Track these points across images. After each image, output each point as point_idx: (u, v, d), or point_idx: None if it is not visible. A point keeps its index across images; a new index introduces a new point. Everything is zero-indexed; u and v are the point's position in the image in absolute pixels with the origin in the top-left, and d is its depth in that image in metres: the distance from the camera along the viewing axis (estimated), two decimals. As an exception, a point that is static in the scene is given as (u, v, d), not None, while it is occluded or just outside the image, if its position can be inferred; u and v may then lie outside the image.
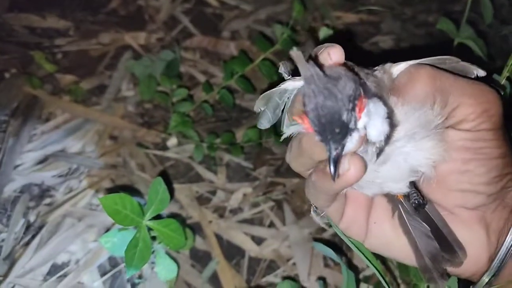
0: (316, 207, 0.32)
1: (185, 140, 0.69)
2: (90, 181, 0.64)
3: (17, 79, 0.75)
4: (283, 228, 0.61)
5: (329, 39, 0.26)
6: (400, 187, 0.29)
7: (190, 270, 0.57)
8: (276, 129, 0.67)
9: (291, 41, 0.69)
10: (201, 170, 0.66)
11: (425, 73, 0.26)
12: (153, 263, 0.55)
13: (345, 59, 0.26)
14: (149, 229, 0.45)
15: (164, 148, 0.69)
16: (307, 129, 0.24)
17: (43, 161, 0.66)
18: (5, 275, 0.55)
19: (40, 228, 0.59)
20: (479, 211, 0.29)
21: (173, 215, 0.61)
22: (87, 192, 0.63)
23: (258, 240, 0.60)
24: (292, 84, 0.28)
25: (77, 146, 0.68)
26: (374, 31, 0.84)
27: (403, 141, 0.27)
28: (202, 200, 0.63)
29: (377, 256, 0.35)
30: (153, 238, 0.49)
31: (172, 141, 0.69)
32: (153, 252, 0.49)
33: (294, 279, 0.56)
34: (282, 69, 0.30)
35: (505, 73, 0.38)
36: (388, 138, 0.26)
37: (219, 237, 0.60)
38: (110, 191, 0.62)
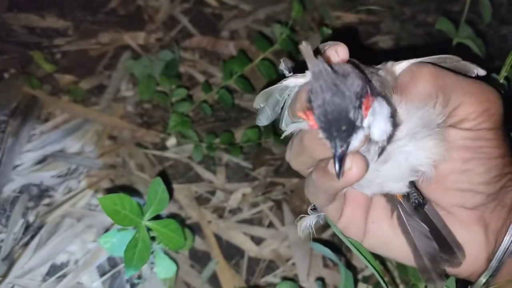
0: (314, 207, 0.32)
1: (184, 140, 0.69)
2: (89, 181, 0.64)
3: (16, 79, 0.75)
4: (282, 228, 0.61)
5: (331, 39, 0.26)
6: (400, 187, 0.29)
7: (189, 270, 0.57)
8: (275, 129, 0.67)
9: (290, 41, 0.69)
10: (200, 170, 0.66)
11: (427, 72, 0.26)
12: (152, 263, 0.55)
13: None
14: (148, 229, 0.45)
15: (163, 148, 0.69)
16: (312, 126, 0.24)
17: (42, 161, 0.66)
18: (4, 276, 0.55)
19: (39, 228, 0.59)
20: (477, 211, 0.29)
21: (172, 215, 0.61)
22: (86, 192, 0.63)
23: (258, 240, 0.60)
24: (294, 81, 0.28)
25: (76, 146, 0.68)
26: (374, 31, 0.84)
27: (405, 140, 0.27)
28: (201, 200, 0.63)
29: (376, 257, 0.35)
30: (152, 238, 0.49)
31: (171, 141, 0.69)
32: (152, 252, 0.49)
33: (293, 279, 0.56)
34: (283, 66, 0.30)
35: (503, 72, 0.38)
36: (390, 138, 0.26)
37: (218, 237, 0.60)
38: (109, 191, 0.62)
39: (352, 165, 0.25)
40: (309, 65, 0.23)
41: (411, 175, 0.28)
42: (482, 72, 0.28)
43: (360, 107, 0.23)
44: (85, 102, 0.73)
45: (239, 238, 0.60)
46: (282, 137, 0.30)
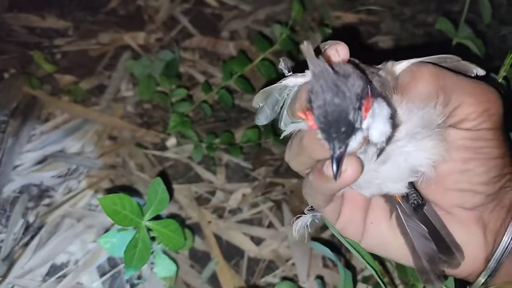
0: (311, 207, 0.32)
1: (184, 140, 0.69)
2: (89, 182, 0.64)
3: (16, 79, 0.75)
4: (282, 228, 0.61)
5: (331, 39, 0.26)
6: (399, 188, 0.29)
7: (189, 271, 0.57)
8: (275, 129, 0.67)
9: (290, 41, 0.69)
10: (200, 170, 0.66)
11: (427, 72, 0.26)
12: (152, 263, 0.55)
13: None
14: (148, 229, 0.45)
15: (163, 148, 0.69)
16: (311, 126, 0.24)
17: (42, 161, 0.66)
18: (4, 276, 0.55)
19: (39, 228, 0.59)
20: (476, 211, 0.29)
21: (172, 216, 0.61)
22: (86, 192, 0.63)
23: (257, 241, 0.60)
24: (293, 81, 0.28)
25: (76, 147, 0.68)
26: (374, 31, 0.84)
27: (404, 141, 0.27)
28: (201, 201, 0.63)
29: (375, 257, 0.35)
30: (152, 238, 0.49)
31: (171, 141, 0.69)
32: (152, 252, 0.49)
33: (293, 279, 0.56)
34: (283, 65, 0.30)
35: (502, 72, 0.38)
36: (389, 139, 0.26)
37: (218, 238, 0.60)
38: (109, 191, 0.62)
39: (347, 166, 0.25)
40: (310, 65, 0.23)
41: (410, 176, 0.28)
42: (481, 72, 0.28)
43: (360, 108, 0.23)
44: (85, 102, 0.73)
45: (239, 238, 0.60)
46: (281, 137, 0.30)
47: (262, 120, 0.32)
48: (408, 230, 0.30)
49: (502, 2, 0.81)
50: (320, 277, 0.56)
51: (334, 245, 0.58)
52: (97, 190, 0.63)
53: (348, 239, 0.32)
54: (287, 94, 0.30)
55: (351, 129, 0.23)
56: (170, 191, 0.58)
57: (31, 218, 0.60)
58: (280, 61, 0.30)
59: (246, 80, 0.69)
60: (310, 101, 0.23)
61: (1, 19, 0.84)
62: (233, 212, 0.63)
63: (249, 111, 0.73)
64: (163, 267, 0.52)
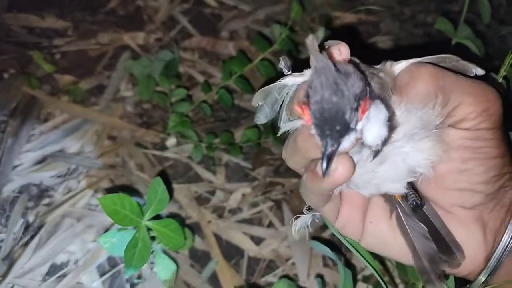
0: (310, 207, 0.32)
1: (184, 140, 0.69)
2: (89, 181, 0.64)
3: (16, 79, 0.75)
4: (282, 228, 0.61)
5: (331, 39, 0.26)
6: (398, 188, 0.29)
7: (189, 270, 0.57)
8: (274, 129, 0.67)
9: (289, 41, 0.69)
10: (200, 170, 0.66)
11: (426, 72, 0.26)
12: (152, 263, 0.55)
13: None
14: (148, 229, 0.45)
15: (163, 148, 0.69)
16: (306, 121, 0.24)
17: (41, 161, 0.66)
18: (4, 276, 0.55)
19: (39, 228, 0.59)
20: (476, 210, 0.29)
21: (172, 215, 0.61)
22: (86, 192, 0.63)
23: (257, 240, 0.60)
24: (292, 80, 0.28)
25: (75, 146, 0.68)
26: (373, 31, 0.84)
27: (402, 142, 0.27)
28: (201, 200, 0.64)
29: (375, 256, 0.35)
30: (152, 238, 0.49)
31: (171, 141, 0.69)
32: (152, 252, 0.49)
33: (293, 279, 0.56)
34: (282, 64, 0.30)
35: (502, 72, 0.39)
36: (385, 142, 0.26)
37: (218, 237, 0.60)
38: (109, 191, 0.62)
39: (337, 165, 0.25)
40: (313, 60, 0.23)
41: (408, 176, 0.28)
42: (480, 71, 0.28)
43: (357, 109, 0.23)
44: (84, 102, 0.73)
45: (239, 238, 0.60)
46: (278, 135, 0.30)
47: (261, 119, 0.32)
48: (408, 230, 0.30)
49: (502, 2, 0.81)
50: (320, 276, 0.56)
51: (334, 244, 0.58)
52: (96, 190, 0.63)
53: (348, 238, 0.32)
54: (286, 93, 0.30)
55: (346, 129, 0.23)
56: (170, 191, 0.58)
57: (31, 218, 0.60)
58: (280, 60, 0.30)
59: (245, 80, 0.69)
60: (308, 96, 0.23)
61: (1, 19, 0.83)
62: (233, 211, 0.63)
63: (248, 111, 0.73)
64: (163, 267, 0.52)
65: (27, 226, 0.59)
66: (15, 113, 0.71)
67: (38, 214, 0.61)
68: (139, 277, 0.56)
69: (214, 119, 0.72)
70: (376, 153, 0.26)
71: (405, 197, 0.30)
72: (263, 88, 0.30)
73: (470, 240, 0.29)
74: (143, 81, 0.73)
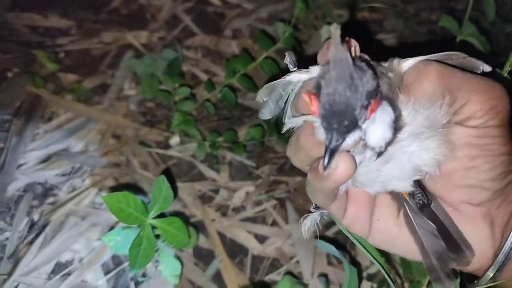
0: (316, 205, 0.32)
1: (187, 139, 0.69)
2: (93, 180, 0.64)
3: (20, 78, 0.75)
4: (286, 226, 0.61)
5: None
6: (404, 186, 0.29)
7: (193, 269, 0.57)
8: (278, 127, 0.67)
9: (293, 39, 0.69)
10: (203, 168, 0.67)
11: (433, 70, 0.26)
12: (156, 261, 0.55)
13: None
14: (153, 227, 0.45)
15: (167, 146, 0.69)
16: (312, 112, 0.23)
17: (46, 160, 0.66)
18: (10, 274, 0.55)
19: (44, 227, 0.59)
20: (484, 207, 0.29)
21: (176, 214, 0.61)
22: (90, 191, 0.63)
23: (261, 239, 0.60)
24: (298, 76, 0.28)
25: (80, 145, 0.68)
26: (377, 29, 0.84)
27: (408, 141, 0.26)
28: (205, 199, 0.64)
29: (381, 254, 0.35)
30: (157, 236, 0.49)
31: (175, 140, 0.69)
32: (156, 250, 0.49)
33: (297, 277, 0.56)
34: (288, 60, 0.29)
35: (507, 67, 0.38)
36: (389, 143, 0.25)
37: (222, 236, 0.60)
38: (113, 189, 0.63)
39: (338, 164, 0.24)
40: (332, 50, 0.22)
41: (414, 175, 0.28)
42: (488, 68, 0.28)
43: (366, 107, 0.23)
44: (88, 101, 0.74)
45: (243, 236, 0.60)
46: (282, 132, 0.30)
47: (266, 114, 0.32)
48: (417, 228, 0.30)
49: (506, 0, 0.81)
50: (324, 275, 0.56)
51: (338, 242, 0.58)
52: (101, 188, 0.63)
53: (355, 235, 0.32)
54: (291, 89, 0.29)
55: (353, 126, 0.22)
56: (174, 189, 0.58)
57: (35, 217, 0.61)
58: (285, 55, 0.30)
59: (249, 79, 0.69)
60: (319, 86, 0.23)
61: (4, 18, 0.84)
62: (237, 210, 0.63)
63: (252, 109, 0.73)
64: (167, 265, 0.52)
65: (32, 225, 0.60)
66: (20, 112, 0.71)
67: (43, 213, 0.61)
68: (144, 275, 0.56)
69: (217, 118, 0.72)
70: (379, 154, 0.26)
71: (412, 194, 0.30)
72: (267, 84, 0.30)
73: (478, 236, 0.29)
74: (147, 80, 0.73)
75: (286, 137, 0.67)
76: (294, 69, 0.29)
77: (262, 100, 0.31)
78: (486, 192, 0.28)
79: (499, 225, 0.29)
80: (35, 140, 0.68)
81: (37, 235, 0.59)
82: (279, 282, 0.51)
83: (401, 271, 0.54)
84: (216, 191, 0.64)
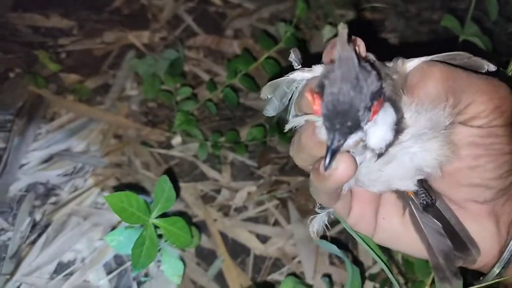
0: (321, 205, 0.32)
1: (189, 139, 0.69)
2: (95, 180, 0.64)
3: (22, 79, 0.76)
4: (288, 226, 0.61)
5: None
6: (408, 185, 0.29)
7: (195, 268, 0.57)
8: (280, 127, 0.67)
9: (294, 39, 0.69)
10: (205, 168, 0.67)
11: (437, 71, 0.26)
12: (159, 261, 0.55)
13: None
14: (155, 227, 0.45)
15: (169, 146, 0.69)
16: (315, 111, 0.23)
17: (48, 160, 0.66)
18: (12, 274, 0.55)
19: (46, 226, 0.59)
20: (489, 205, 0.29)
21: (178, 214, 0.61)
22: (92, 191, 0.63)
23: (263, 239, 0.60)
24: (301, 75, 0.28)
25: (81, 145, 0.68)
26: (378, 28, 0.84)
27: (410, 142, 0.26)
28: (206, 199, 0.64)
29: (384, 253, 0.35)
30: (159, 236, 0.49)
31: (177, 140, 0.69)
32: (159, 250, 0.49)
33: (299, 277, 0.56)
34: (293, 57, 0.29)
35: (511, 67, 0.38)
36: (390, 145, 0.25)
37: (224, 236, 0.60)
38: (115, 189, 0.63)
39: (339, 164, 0.24)
40: (339, 49, 0.22)
41: (416, 175, 0.28)
42: (493, 67, 0.28)
43: (369, 109, 0.22)
44: (90, 101, 0.74)
45: (245, 236, 0.60)
46: (285, 131, 0.30)
47: (270, 111, 0.32)
48: (422, 226, 0.30)
49: (509, 0, 0.81)
50: (327, 275, 0.56)
51: (340, 242, 0.58)
52: (103, 188, 0.63)
53: (360, 233, 0.31)
54: (296, 87, 0.29)
55: (356, 127, 0.22)
56: (176, 189, 0.58)
57: (37, 217, 0.61)
58: (290, 52, 0.30)
59: (250, 79, 0.69)
60: (322, 85, 0.23)
61: (6, 19, 0.84)
62: (239, 210, 0.63)
63: (254, 109, 0.73)
64: (170, 265, 0.52)
65: (34, 225, 0.60)
66: (21, 112, 0.71)
67: (45, 213, 0.61)
68: (146, 275, 0.56)
69: (219, 118, 0.72)
70: (380, 155, 0.26)
71: (417, 193, 0.30)
72: (271, 82, 0.30)
73: (483, 234, 0.29)
74: (148, 80, 0.73)
75: (288, 137, 0.67)
76: (299, 66, 0.29)
77: (266, 97, 0.31)
78: (491, 191, 0.28)
79: (504, 222, 0.29)
80: (37, 140, 0.68)
81: (39, 235, 0.59)
82: (282, 283, 0.51)
83: (404, 271, 0.54)
84: (218, 191, 0.64)
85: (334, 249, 0.42)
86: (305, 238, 0.59)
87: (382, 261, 0.32)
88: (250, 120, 0.72)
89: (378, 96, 0.23)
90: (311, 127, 0.26)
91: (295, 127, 0.29)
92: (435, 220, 0.29)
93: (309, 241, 0.59)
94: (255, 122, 0.71)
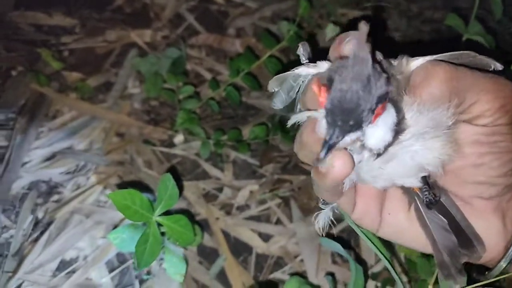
0: (324, 201, 0.32)
1: (191, 137, 0.69)
2: (98, 178, 0.64)
3: (24, 77, 0.76)
4: (290, 225, 0.61)
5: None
6: (411, 181, 0.29)
7: (197, 267, 0.57)
8: (282, 126, 0.67)
9: (297, 38, 0.69)
10: (207, 167, 0.67)
11: (441, 71, 0.26)
12: (161, 259, 0.55)
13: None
14: (158, 225, 0.45)
15: (171, 145, 0.69)
16: (320, 103, 0.23)
17: (50, 158, 0.66)
18: (14, 271, 0.55)
19: (49, 224, 0.60)
20: (494, 200, 0.29)
21: (180, 212, 0.61)
22: (95, 189, 0.63)
23: (265, 237, 0.60)
24: (306, 71, 0.28)
25: (84, 143, 0.68)
26: (381, 27, 0.84)
27: (412, 140, 0.26)
28: (209, 197, 0.64)
29: (387, 252, 0.35)
30: (161, 234, 0.49)
31: (179, 138, 0.69)
32: (162, 248, 0.49)
33: (302, 275, 0.56)
34: (301, 51, 0.29)
35: (516, 65, 0.38)
36: (389, 145, 0.25)
37: (226, 234, 0.60)
38: (118, 187, 0.63)
39: (335, 161, 0.24)
40: (355, 47, 0.22)
41: (418, 172, 0.28)
42: (499, 66, 0.28)
43: (373, 111, 0.23)
44: (92, 100, 0.74)
45: (247, 234, 0.60)
46: (288, 126, 0.30)
47: (278, 104, 0.32)
48: (428, 222, 0.30)
49: (513, -1, 0.80)
50: (331, 274, 0.56)
51: (343, 240, 0.58)
52: (105, 186, 0.63)
53: (363, 230, 0.31)
54: (302, 81, 0.29)
55: (357, 127, 0.22)
56: (178, 188, 0.58)
57: (40, 214, 0.61)
58: (298, 46, 0.30)
59: (253, 77, 0.69)
60: (331, 79, 0.22)
61: (8, 17, 0.84)
62: (241, 208, 0.63)
63: (256, 108, 0.73)
64: (172, 264, 0.52)
65: (36, 223, 0.60)
66: (24, 110, 0.71)
67: (48, 211, 0.61)
68: (148, 273, 0.56)
69: (221, 116, 0.72)
70: (378, 155, 0.26)
71: (422, 189, 0.30)
72: (278, 75, 0.30)
73: (489, 230, 0.29)
74: (151, 78, 0.73)
75: (290, 136, 0.67)
76: (306, 61, 0.29)
77: (273, 90, 0.31)
78: (496, 188, 0.28)
79: (510, 218, 0.29)
80: (39, 138, 0.68)
81: (42, 233, 0.59)
82: (286, 283, 0.51)
83: (406, 269, 0.54)
84: (220, 190, 0.64)
85: (337, 247, 0.42)
86: (307, 236, 0.59)
87: (386, 258, 0.32)
88: (253, 118, 0.72)
89: (383, 100, 0.23)
90: (312, 124, 0.26)
91: (298, 123, 0.29)
92: (441, 216, 0.29)
93: (311, 240, 0.59)
94: (258, 121, 0.71)
